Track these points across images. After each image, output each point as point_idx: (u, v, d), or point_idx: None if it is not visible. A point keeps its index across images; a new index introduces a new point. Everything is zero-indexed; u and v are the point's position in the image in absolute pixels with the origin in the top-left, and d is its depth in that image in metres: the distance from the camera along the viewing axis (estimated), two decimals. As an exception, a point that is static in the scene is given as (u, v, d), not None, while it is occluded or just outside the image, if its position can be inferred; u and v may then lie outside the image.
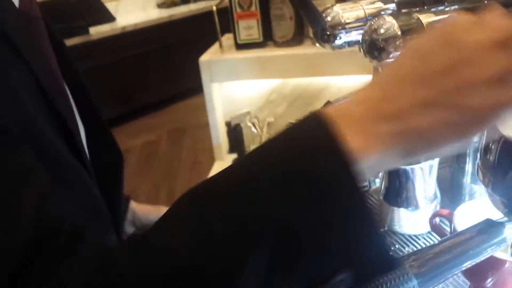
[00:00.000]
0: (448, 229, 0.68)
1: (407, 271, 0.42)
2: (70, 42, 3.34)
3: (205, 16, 3.30)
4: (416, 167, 0.72)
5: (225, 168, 0.36)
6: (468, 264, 0.45)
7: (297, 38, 1.50)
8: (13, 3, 0.47)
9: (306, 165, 0.32)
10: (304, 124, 0.35)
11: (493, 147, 0.41)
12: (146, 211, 0.87)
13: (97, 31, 3.67)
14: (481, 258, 0.46)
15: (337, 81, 1.60)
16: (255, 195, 0.33)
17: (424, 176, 0.73)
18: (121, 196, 0.71)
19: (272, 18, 1.50)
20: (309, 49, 1.46)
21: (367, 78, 1.27)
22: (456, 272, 0.46)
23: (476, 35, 0.34)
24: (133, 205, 0.87)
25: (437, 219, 0.70)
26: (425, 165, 0.72)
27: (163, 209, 0.78)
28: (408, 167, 0.72)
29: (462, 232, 0.46)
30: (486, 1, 0.60)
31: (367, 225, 0.33)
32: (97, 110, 0.65)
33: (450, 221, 0.64)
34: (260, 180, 0.33)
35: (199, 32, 2.93)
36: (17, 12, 0.47)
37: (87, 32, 3.59)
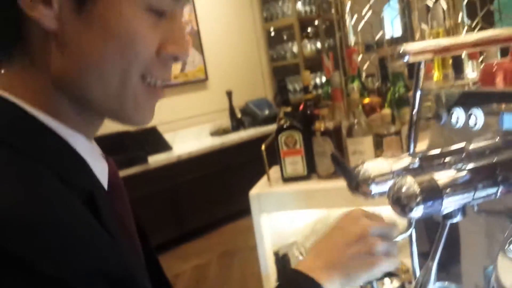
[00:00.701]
0: None
1: None
2: (129, 171, 3.58)
3: (254, 142, 3.51)
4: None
5: None
6: None
7: (339, 172, 1.62)
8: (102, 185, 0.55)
9: None
10: (296, 279, 0.71)
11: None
12: None
13: (155, 159, 3.94)
14: None
15: (376, 210, 1.66)
16: None
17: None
18: None
19: (315, 154, 1.63)
20: (350, 182, 1.55)
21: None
22: None
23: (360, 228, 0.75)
24: None
25: None
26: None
27: None
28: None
29: None
30: (496, 160, 0.69)
31: None
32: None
33: None
34: None
35: (248, 157, 3.08)
36: (105, 192, 0.55)
37: (146, 161, 3.86)
